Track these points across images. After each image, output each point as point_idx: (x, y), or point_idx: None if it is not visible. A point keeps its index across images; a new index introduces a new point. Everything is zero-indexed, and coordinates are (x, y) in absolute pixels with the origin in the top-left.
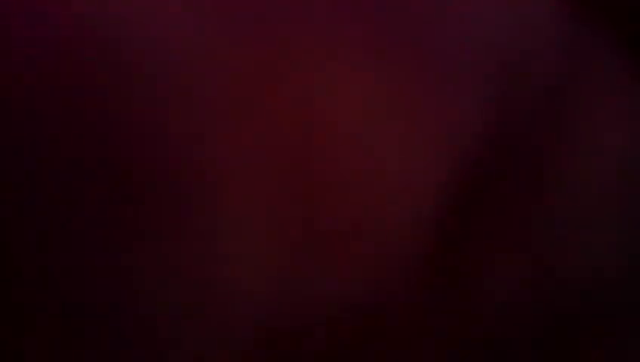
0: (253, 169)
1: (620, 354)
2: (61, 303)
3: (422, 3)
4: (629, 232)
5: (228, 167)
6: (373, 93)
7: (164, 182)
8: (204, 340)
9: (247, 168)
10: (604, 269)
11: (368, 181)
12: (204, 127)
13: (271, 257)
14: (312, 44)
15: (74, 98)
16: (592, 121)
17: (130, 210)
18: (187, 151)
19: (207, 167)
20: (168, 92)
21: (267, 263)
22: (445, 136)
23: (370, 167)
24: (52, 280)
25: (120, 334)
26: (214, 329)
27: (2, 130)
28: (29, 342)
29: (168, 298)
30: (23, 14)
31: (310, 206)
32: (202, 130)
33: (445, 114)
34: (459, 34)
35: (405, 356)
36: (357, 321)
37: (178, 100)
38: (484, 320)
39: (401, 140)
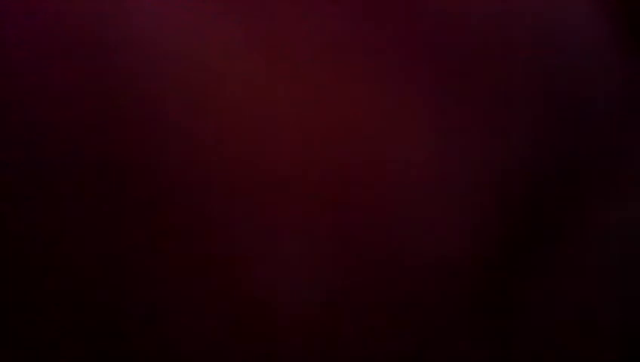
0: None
1: None
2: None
3: (474, 27)
4: None
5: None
6: (422, 118)
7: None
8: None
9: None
10: None
11: (411, 211)
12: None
13: (310, 284)
14: (354, 66)
15: (75, 99)
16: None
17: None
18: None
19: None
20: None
21: (307, 291)
22: (492, 163)
23: (416, 200)
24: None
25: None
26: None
27: (2, 132)
28: (29, 342)
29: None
30: (19, 14)
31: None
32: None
33: (490, 141)
34: (510, 58)
35: None
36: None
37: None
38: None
39: (446, 168)
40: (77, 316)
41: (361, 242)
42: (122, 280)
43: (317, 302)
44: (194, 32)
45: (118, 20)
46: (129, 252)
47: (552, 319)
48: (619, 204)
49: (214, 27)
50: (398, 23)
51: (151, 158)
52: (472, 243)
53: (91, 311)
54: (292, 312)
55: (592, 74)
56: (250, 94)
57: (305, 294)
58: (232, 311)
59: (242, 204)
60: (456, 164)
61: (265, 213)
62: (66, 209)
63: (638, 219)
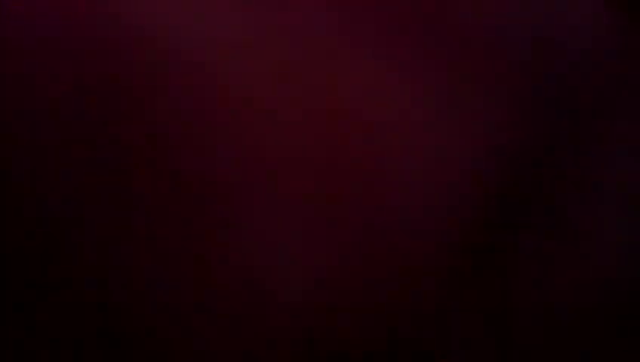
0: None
1: None
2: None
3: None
4: None
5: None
6: (416, 94)
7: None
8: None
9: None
10: None
11: (404, 187)
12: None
13: (308, 265)
14: (355, 51)
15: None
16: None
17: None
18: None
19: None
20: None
21: (305, 271)
22: (485, 140)
23: (407, 175)
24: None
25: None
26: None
27: (10, 132)
28: (29, 342)
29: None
30: (39, 14)
31: (346, 209)
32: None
33: (486, 118)
34: (506, 35)
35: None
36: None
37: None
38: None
39: (438, 144)
40: (76, 315)
41: (355, 221)
42: (121, 277)
43: (311, 286)
44: (200, 28)
45: (126, 18)
46: (129, 247)
47: (547, 290)
48: (615, 184)
49: (220, 22)
50: (401, 7)
51: (153, 153)
52: (470, 224)
53: (91, 308)
54: (287, 298)
55: (587, 57)
56: (253, 89)
57: (300, 278)
58: (231, 300)
59: (242, 195)
60: (454, 147)
61: (263, 202)
62: (70, 206)
63: (632, 199)
